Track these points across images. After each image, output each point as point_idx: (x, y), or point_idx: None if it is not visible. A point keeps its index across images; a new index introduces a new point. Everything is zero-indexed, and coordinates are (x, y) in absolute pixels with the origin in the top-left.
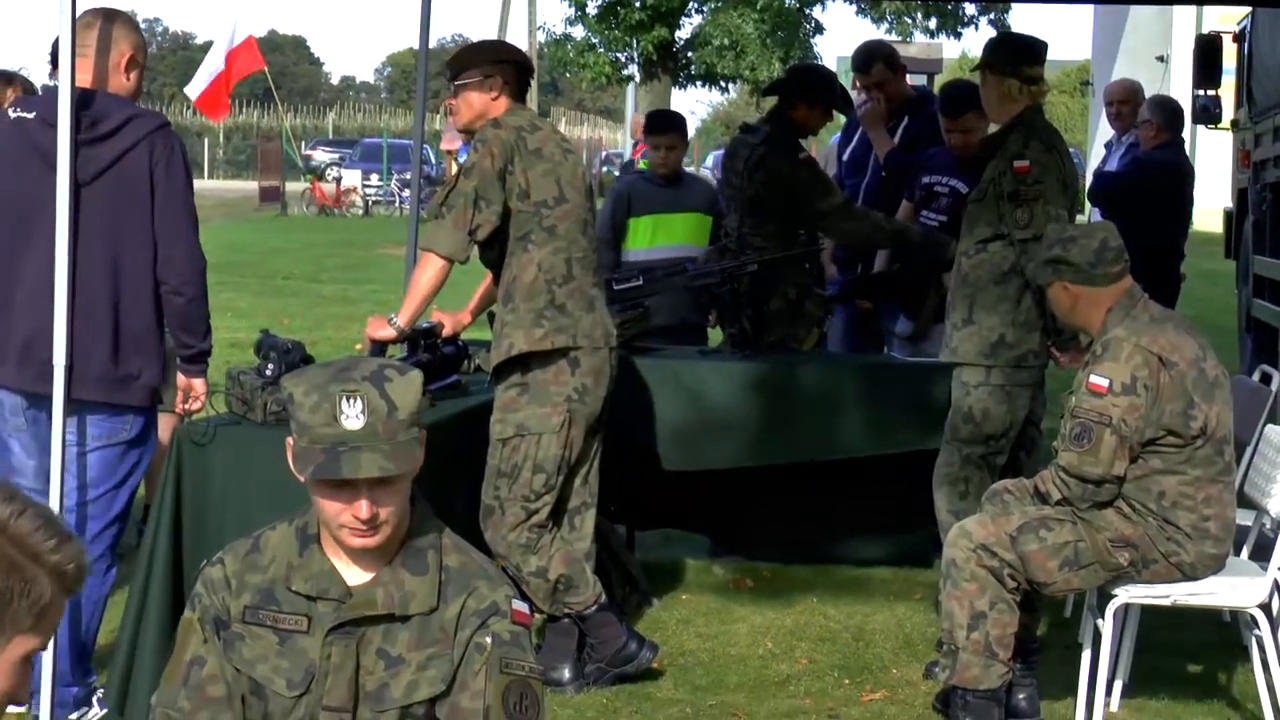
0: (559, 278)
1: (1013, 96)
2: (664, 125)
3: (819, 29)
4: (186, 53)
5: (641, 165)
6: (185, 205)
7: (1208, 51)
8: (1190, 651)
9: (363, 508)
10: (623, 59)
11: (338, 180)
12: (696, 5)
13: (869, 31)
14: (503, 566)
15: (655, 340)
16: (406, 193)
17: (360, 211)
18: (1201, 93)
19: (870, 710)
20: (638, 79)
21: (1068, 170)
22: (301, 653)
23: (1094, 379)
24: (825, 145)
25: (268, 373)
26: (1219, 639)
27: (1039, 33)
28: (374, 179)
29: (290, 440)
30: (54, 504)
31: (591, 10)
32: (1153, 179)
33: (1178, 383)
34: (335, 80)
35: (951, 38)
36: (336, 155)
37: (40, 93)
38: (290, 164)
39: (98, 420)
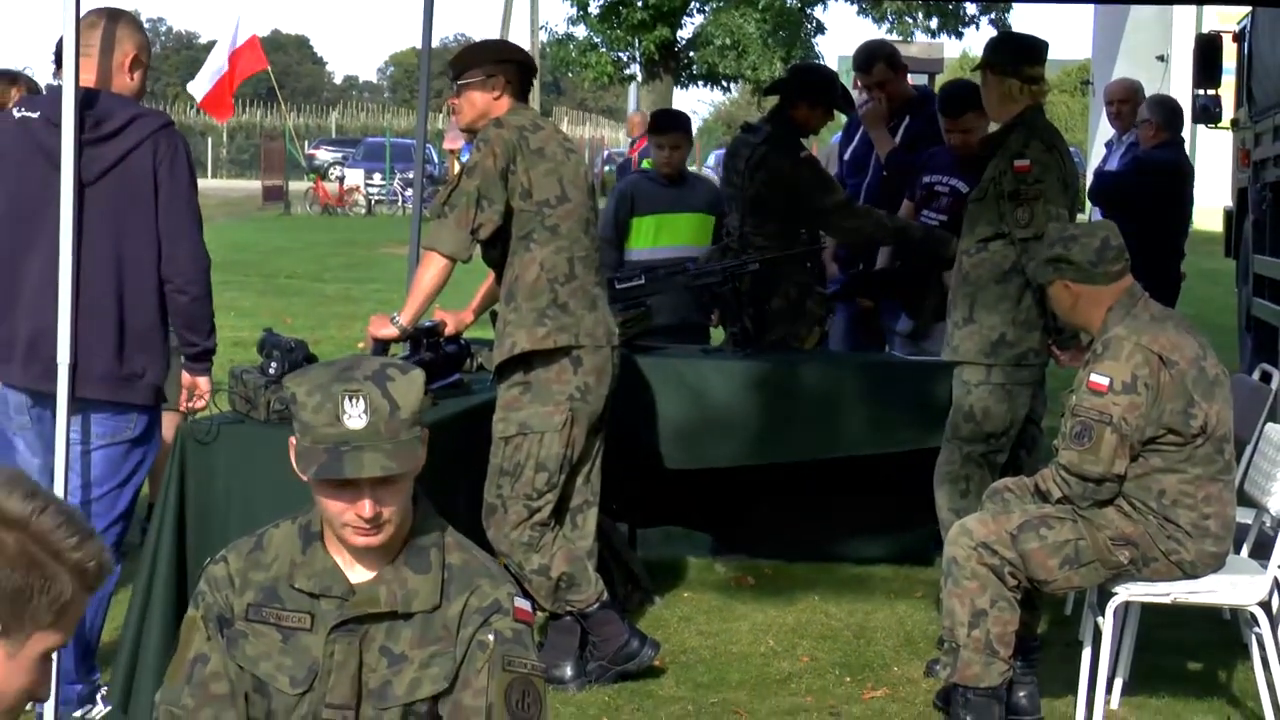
0: (561, 277)
1: (1013, 96)
2: (669, 125)
3: (820, 29)
4: (190, 52)
5: (645, 165)
6: (189, 204)
7: (1208, 51)
8: (1190, 649)
9: (366, 507)
10: (625, 58)
11: (341, 179)
12: (698, 5)
13: (870, 31)
14: (505, 564)
15: (657, 339)
16: (409, 192)
17: (363, 211)
18: (1201, 92)
19: (871, 708)
20: (640, 78)
21: (1068, 169)
22: (305, 650)
23: (1094, 377)
24: (826, 145)
25: (271, 371)
26: (1219, 637)
27: (1039, 32)
28: (377, 178)
29: (293, 440)
30: None
31: (594, 10)
32: (1153, 178)
33: (1178, 381)
34: (338, 80)
35: (952, 37)
36: (339, 154)
37: (44, 92)
38: (293, 163)
39: (102, 419)
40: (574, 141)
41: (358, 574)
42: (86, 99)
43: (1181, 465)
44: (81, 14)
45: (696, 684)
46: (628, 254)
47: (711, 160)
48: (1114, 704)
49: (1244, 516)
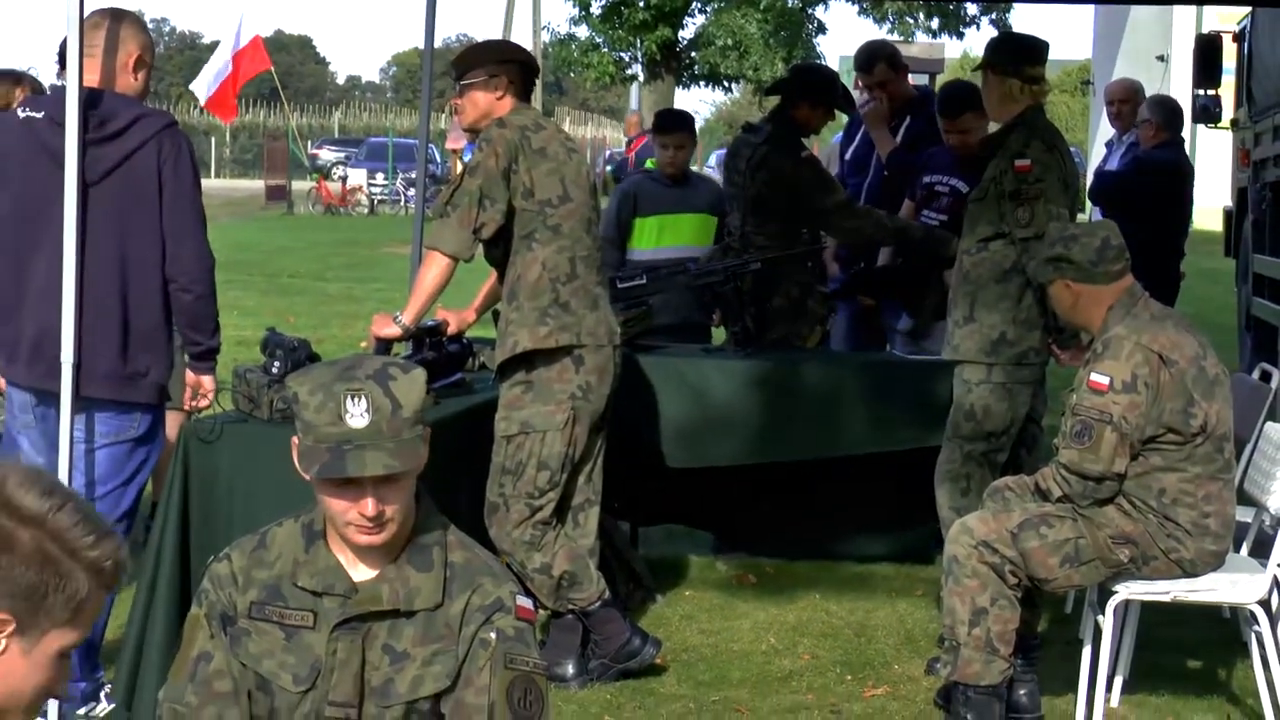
0: (563, 276)
1: (1014, 96)
2: (673, 124)
3: (821, 29)
4: (194, 52)
5: (649, 164)
6: (193, 204)
7: (1208, 51)
8: (1190, 648)
9: (368, 505)
10: (626, 59)
11: (343, 179)
12: (700, 5)
13: (871, 31)
14: (507, 563)
15: (659, 339)
16: (412, 192)
17: (366, 210)
18: (1201, 92)
19: (872, 706)
20: (641, 79)
21: (1069, 169)
22: (307, 648)
23: (1095, 377)
24: (827, 144)
25: (274, 370)
26: (1219, 635)
27: (1040, 33)
28: (379, 178)
29: (295, 439)
30: None
31: (596, 10)
32: (1153, 178)
33: (1178, 380)
34: (341, 80)
35: (953, 38)
36: (342, 154)
37: (49, 92)
38: (296, 163)
39: (106, 417)
40: (576, 141)
41: (360, 572)
42: (90, 99)
43: (1181, 464)
44: (85, 14)
45: (698, 682)
46: (630, 254)
47: (713, 160)
48: (1114, 702)
49: (1244, 515)
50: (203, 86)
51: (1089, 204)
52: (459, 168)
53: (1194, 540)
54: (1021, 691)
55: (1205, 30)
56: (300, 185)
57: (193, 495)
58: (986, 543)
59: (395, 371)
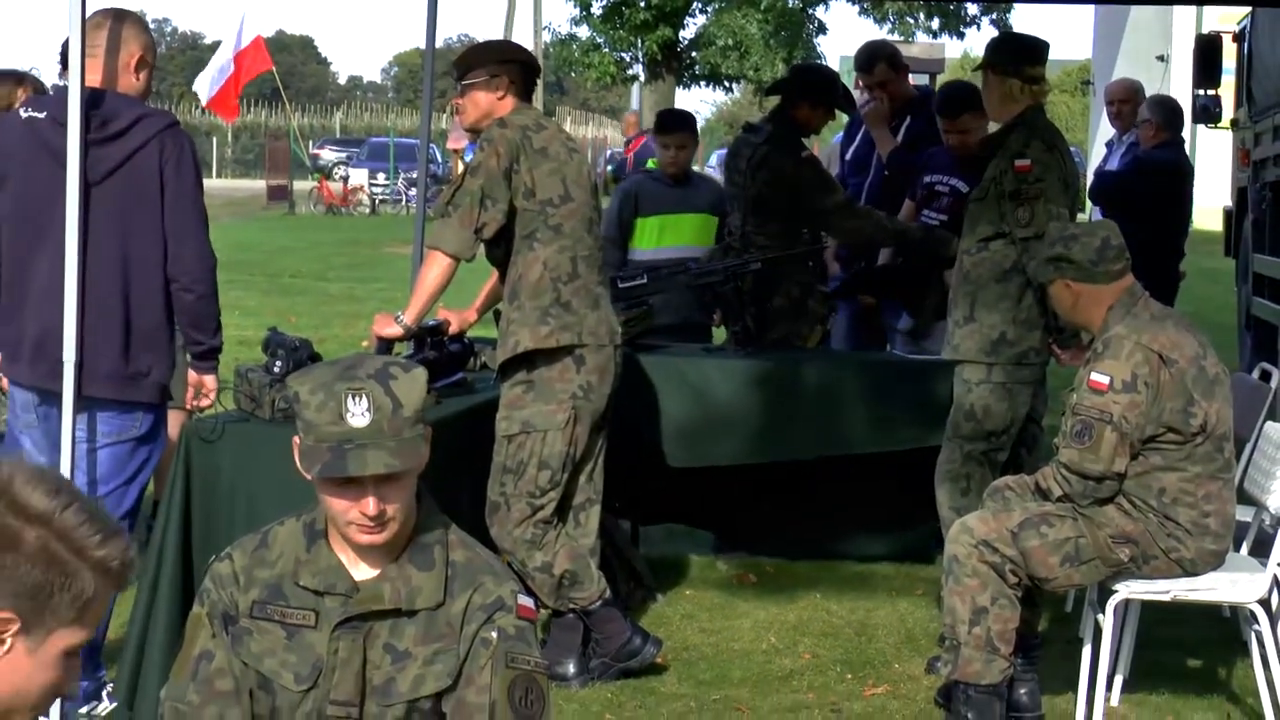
0: (564, 276)
1: (1014, 96)
2: (674, 124)
3: (822, 29)
4: (195, 52)
5: (651, 164)
6: (195, 203)
7: (1208, 51)
8: (1190, 647)
9: (370, 504)
10: (627, 59)
11: (345, 179)
12: (700, 5)
13: (871, 31)
14: (508, 562)
15: (660, 339)
16: (413, 191)
17: (367, 210)
18: (1201, 92)
19: (872, 705)
20: (642, 79)
21: (1069, 169)
22: (309, 647)
23: (1095, 376)
24: (828, 144)
25: (275, 370)
26: (1219, 634)
27: (1040, 33)
28: (381, 178)
29: (297, 439)
30: None
31: (596, 10)
32: (1153, 178)
33: (1178, 380)
34: (342, 80)
35: (954, 38)
36: (344, 154)
37: (51, 93)
38: (298, 163)
39: (108, 417)
40: (577, 141)
41: (362, 571)
42: (92, 99)
43: (1181, 463)
44: (87, 15)
45: (698, 681)
46: (631, 254)
47: (713, 160)
48: (1114, 701)
49: (1244, 514)
50: (204, 86)
51: (1089, 204)
52: (460, 168)
53: (1194, 539)
54: (1022, 690)
55: (1205, 30)
56: (302, 185)
57: (194, 494)
58: (987, 542)
59: (396, 371)
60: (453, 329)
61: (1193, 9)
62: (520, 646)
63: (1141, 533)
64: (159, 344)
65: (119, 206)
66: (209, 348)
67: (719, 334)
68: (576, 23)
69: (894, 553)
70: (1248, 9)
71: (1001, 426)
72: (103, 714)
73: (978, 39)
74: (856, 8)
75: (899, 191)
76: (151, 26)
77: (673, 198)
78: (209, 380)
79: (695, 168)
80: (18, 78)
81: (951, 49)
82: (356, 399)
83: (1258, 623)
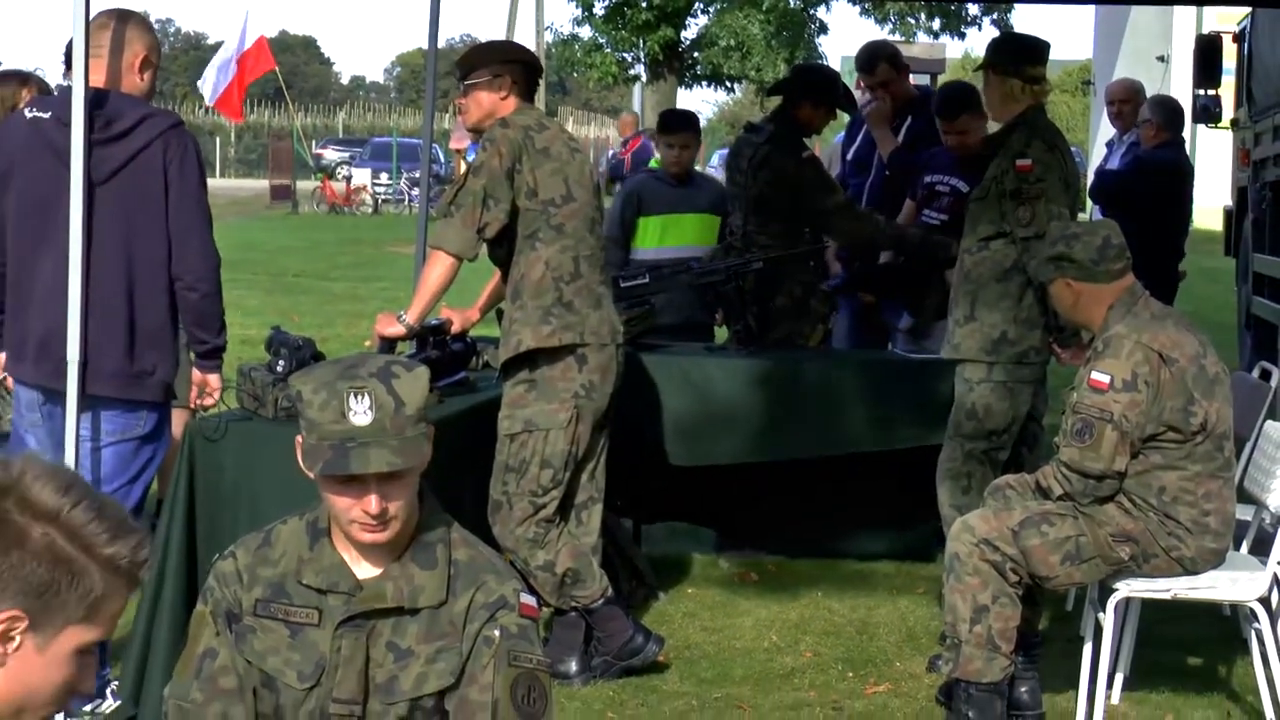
0: (567, 275)
1: (1015, 96)
2: (678, 124)
3: (823, 29)
4: (199, 53)
5: (653, 164)
6: (199, 203)
7: (1208, 51)
8: (1190, 645)
9: (372, 503)
10: (629, 59)
11: (348, 179)
12: (702, 6)
13: (873, 32)
14: (510, 561)
15: (662, 338)
16: (416, 191)
17: (370, 210)
18: (1202, 92)
19: (874, 703)
20: (644, 79)
21: (1070, 169)
22: (312, 645)
23: (1095, 375)
24: (829, 144)
25: (279, 369)
26: (1219, 633)
27: (1041, 33)
28: (383, 177)
29: (300, 438)
30: None
31: (599, 11)
32: (1153, 178)
33: (1178, 379)
34: (345, 80)
35: (955, 38)
36: (346, 154)
37: (55, 93)
38: (301, 163)
39: (112, 416)
40: (579, 141)
41: (364, 570)
42: (97, 99)
43: (1181, 462)
44: (91, 16)
45: (700, 679)
46: (634, 254)
47: (715, 160)
48: (1115, 699)
49: (1244, 513)
50: (208, 87)
51: (1089, 203)
52: (463, 167)
53: (1194, 538)
54: (1023, 689)
55: (1205, 31)
56: (305, 185)
57: (198, 493)
58: (988, 540)
59: (398, 370)
60: (455, 328)
61: (1193, 9)
62: (523, 645)
63: (1142, 531)
64: (163, 343)
65: (123, 206)
66: (213, 347)
67: (721, 333)
68: (579, 23)
69: (895, 551)
70: (1248, 9)
71: (1002, 425)
72: (106, 711)
73: (979, 39)
74: (858, 8)
75: (900, 191)
76: (155, 27)
77: (675, 197)
78: (213, 379)
79: (697, 167)
80: (22, 78)
81: (952, 49)
82: (359, 397)
83: (1258, 621)
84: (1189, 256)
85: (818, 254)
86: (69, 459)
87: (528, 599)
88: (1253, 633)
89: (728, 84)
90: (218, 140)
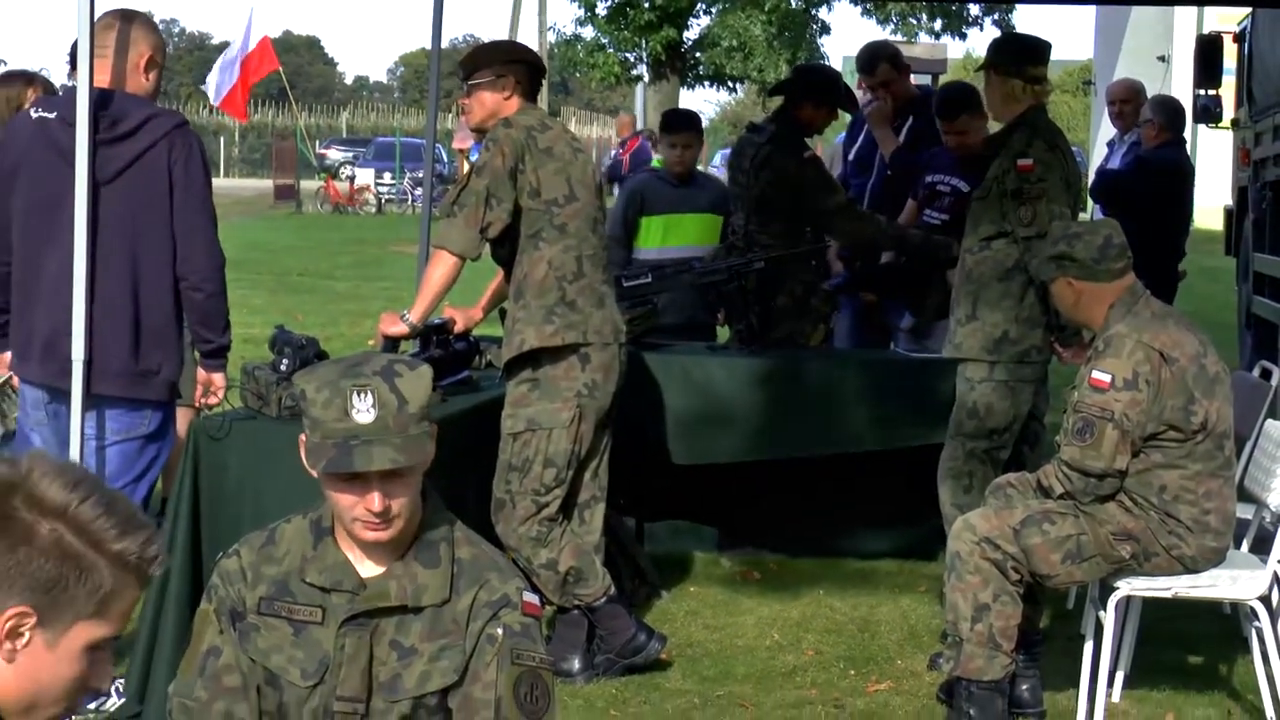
0: (569, 275)
1: (1016, 96)
2: (680, 124)
3: (825, 29)
4: (203, 53)
5: (655, 164)
6: (204, 203)
7: (1208, 51)
8: (1191, 643)
9: (375, 500)
10: (632, 59)
11: (351, 178)
12: (704, 6)
13: (874, 32)
14: (513, 559)
15: (665, 337)
16: (419, 191)
17: (373, 209)
18: (1202, 92)
19: (875, 701)
20: (646, 79)
21: (1071, 169)
22: (316, 643)
23: (1096, 374)
24: (830, 144)
25: (282, 368)
26: (1219, 631)
27: (1042, 33)
28: (387, 177)
29: (303, 436)
30: None
31: (601, 11)
32: (1154, 178)
33: (1179, 378)
34: (349, 80)
35: (956, 38)
36: (350, 154)
37: (60, 93)
38: (305, 162)
39: (117, 414)
40: (582, 141)
41: (368, 569)
42: (102, 99)
43: (1182, 461)
44: (96, 16)
45: (702, 677)
46: (636, 253)
47: (717, 160)
48: (1115, 697)
49: (1244, 512)
50: (213, 87)
51: (1090, 203)
52: (466, 167)
53: (1195, 537)
54: (1024, 686)
55: (1206, 31)
56: (308, 184)
57: (203, 491)
58: (989, 539)
59: (401, 368)
60: (458, 327)
61: (1194, 9)
62: (525, 643)
63: (1143, 530)
64: (168, 342)
65: (128, 206)
66: (218, 346)
67: (723, 333)
68: (581, 23)
69: (897, 550)
70: (1248, 9)
71: (1004, 424)
72: (111, 709)
73: (980, 39)
74: (859, 9)
75: (901, 191)
76: (159, 27)
77: (677, 197)
78: (217, 378)
79: (699, 167)
80: (27, 78)
81: (954, 49)
82: (362, 395)
83: (1258, 619)
84: (1190, 256)
85: (819, 254)
86: (74, 458)
87: (530, 597)
88: (1253, 631)
89: (730, 84)
90: (222, 140)
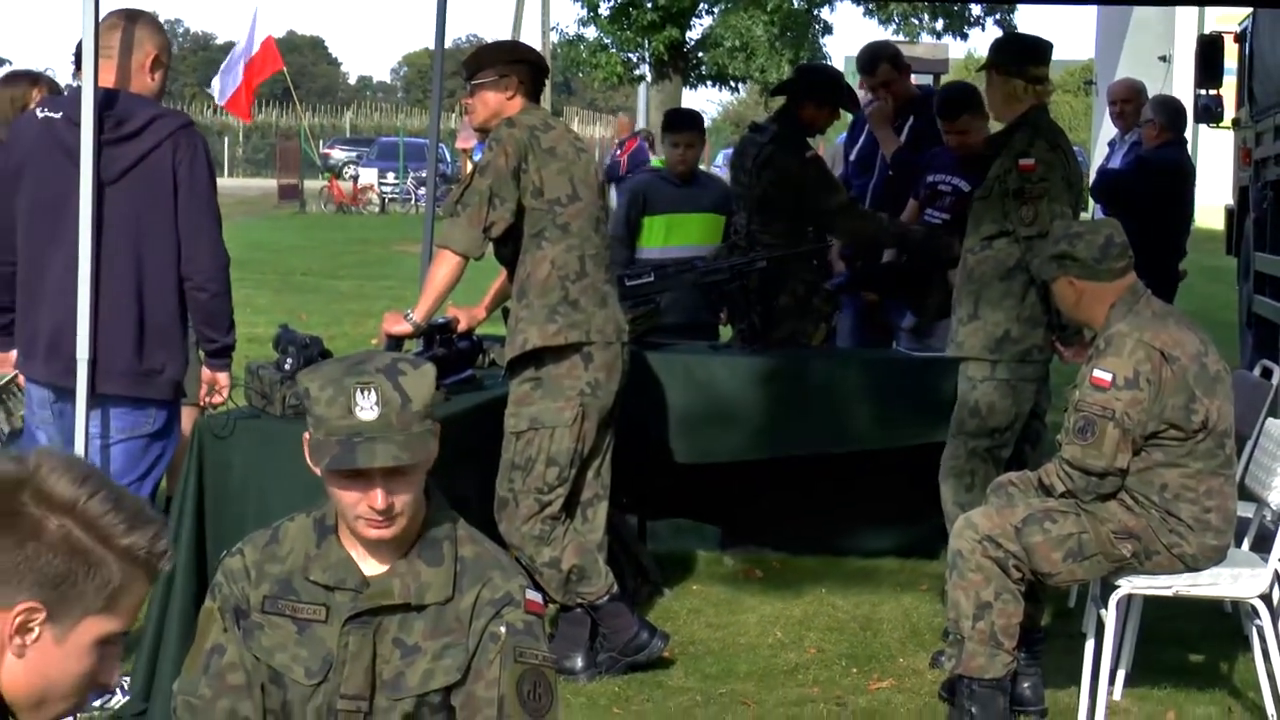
0: (572, 274)
1: (1018, 96)
2: (682, 123)
3: (827, 30)
4: (207, 53)
5: (657, 164)
6: (208, 203)
7: (1209, 51)
8: (1192, 641)
9: (377, 497)
10: (634, 59)
11: (355, 178)
12: (707, 7)
13: (876, 32)
14: (516, 557)
15: (667, 337)
16: (422, 191)
17: (377, 209)
18: (1203, 92)
19: (877, 699)
20: (649, 79)
21: (1072, 169)
22: (319, 642)
23: (1097, 373)
24: (832, 144)
25: (286, 367)
26: (1220, 629)
27: (1044, 33)
28: (390, 177)
29: (307, 435)
30: None
31: (604, 11)
32: (1155, 177)
33: (1179, 377)
34: (352, 80)
35: (958, 38)
36: (354, 154)
37: (65, 93)
38: (308, 162)
39: (121, 413)
40: (584, 141)
41: (371, 567)
42: (107, 99)
43: (1183, 460)
44: (102, 16)
45: (705, 675)
46: (639, 253)
47: (720, 159)
48: (1117, 695)
49: (1245, 511)
50: (217, 88)
51: (1091, 202)
52: (469, 167)
53: (1196, 535)
54: (1025, 684)
55: (1207, 31)
56: (312, 184)
57: (207, 490)
58: (990, 538)
59: (405, 366)
60: (462, 326)
61: (1195, 10)
62: (528, 641)
63: (1144, 528)
64: (172, 341)
65: (133, 206)
66: (222, 346)
67: (725, 332)
68: (584, 23)
69: (899, 548)
70: (1249, 9)
71: (1005, 423)
72: (116, 707)
73: (982, 39)
74: (861, 9)
75: (903, 191)
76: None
77: (680, 197)
78: (222, 378)
79: (702, 167)
80: (33, 78)
81: (956, 49)
82: (365, 393)
83: (1259, 617)
84: (1191, 255)
85: (821, 253)
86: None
87: (533, 595)
88: (1254, 629)
89: (732, 84)
90: (226, 140)
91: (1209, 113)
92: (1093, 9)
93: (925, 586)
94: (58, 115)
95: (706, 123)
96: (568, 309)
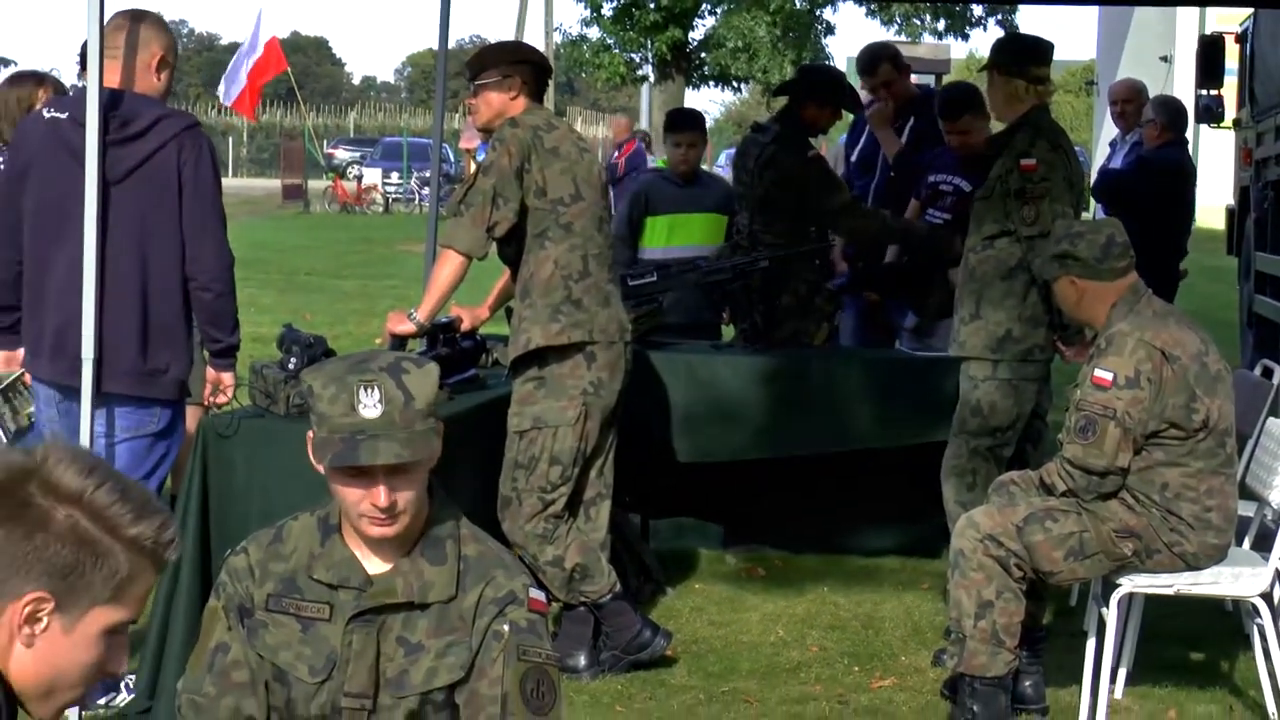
0: (575, 274)
1: (1019, 96)
2: (684, 123)
3: (829, 30)
4: (212, 54)
5: (659, 164)
6: (213, 203)
7: (1211, 52)
8: (1193, 640)
9: (381, 495)
10: (637, 59)
11: (359, 178)
12: (709, 7)
13: (878, 33)
14: (520, 556)
15: (670, 336)
16: (426, 190)
17: (381, 209)
18: (1204, 92)
19: (879, 697)
20: (652, 79)
21: (1074, 169)
22: (323, 640)
23: (1098, 372)
24: (834, 145)
25: (290, 366)
26: (1221, 627)
27: (1045, 33)
28: (394, 177)
29: (310, 433)
30: None
31: (607, 12)
32: (1156, 177)
33: (1180, 376)
34: (356, 80)
35: (959, 39)
36: (358, 154)
37: (71, 93)
38: (312, 162)
39: (126, 412)
40: (587, 141)
41: (375, 565)
42: (113, 100)
43: (1184, 459)
44: (107, 16)
45: (707, 673)
46: (641, 253)
47: (722, 159)
48: (1118, 693)
49: (1245, 509)
50: (223, 88)
51: (1092, 202)
52: (473, 167)
53: (1196, 534)
54: (1027, 683)
55: (1208, 31)
56: (316, 184)
57: (211, 489)
58: (992, 536)
59: (408, 365)
60: (465, 326)
61: (1196, 10)
62: (532, 639)
63: (1145, 527)
64: (177, 341)
65: (138, 206)
66: (227, 345)
67: (728, 331)
68: (587, 24)
69: (901, 547)
70: (1250, 10)
71: (1007, 422)
72: (121, 705)
73: (983, 40)
74: (863, 9)
75: (905, 191)
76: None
77: (682, 197)
78: (226, 377)
79: (704, 167)
80: (38, 78)
81: (957, 50)
82: (368, 391)
83: (1259, 616)
84: (1192, 255)
85: (823, 253)
86: None
87: (536, 594)
88: (1255, 628)
89: (734, 84)
90: (230, 140)
91: (1210, 113)
92: (1094, 9)
93: (927, 585)
94: (63, 115)
95: (709, 123)
96: (571, 308)
